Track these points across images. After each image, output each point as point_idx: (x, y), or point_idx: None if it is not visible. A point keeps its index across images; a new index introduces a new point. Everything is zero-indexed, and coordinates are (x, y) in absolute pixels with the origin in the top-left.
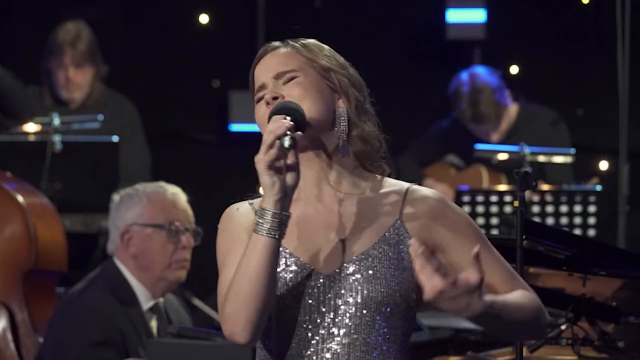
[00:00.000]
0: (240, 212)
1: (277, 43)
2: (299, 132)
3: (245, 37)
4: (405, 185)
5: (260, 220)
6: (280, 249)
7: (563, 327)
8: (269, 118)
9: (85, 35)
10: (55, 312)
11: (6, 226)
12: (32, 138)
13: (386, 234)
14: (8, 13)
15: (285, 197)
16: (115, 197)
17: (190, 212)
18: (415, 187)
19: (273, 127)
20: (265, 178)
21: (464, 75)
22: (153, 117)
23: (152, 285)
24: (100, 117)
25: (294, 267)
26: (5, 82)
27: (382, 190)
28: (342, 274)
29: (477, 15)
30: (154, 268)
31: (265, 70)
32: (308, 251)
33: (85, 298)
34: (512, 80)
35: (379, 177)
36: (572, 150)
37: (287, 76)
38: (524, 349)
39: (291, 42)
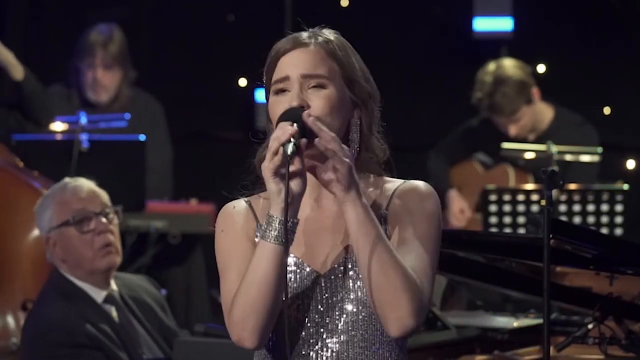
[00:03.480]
0: (237, 211)
1: (305, 37)
2: (304, 140)
3: (272, 36)
4: (401, 181)
5: (268, 228)
6: None
7: (590, 326)
8: (277, 124)
9: (118, 38)
10: (22, 334)
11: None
12: (59, 137)
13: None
14: (36, 12)
15: (292, 204)
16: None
17: (97, 196)
18: (410, 182)
19: (278, 134)
20: (272, 185)
21: (492, 65)
22: (180, 116)
23: (90, 279)
24: (128, 116)
25: (293, 268)
26: (30, 86)
27: (380, 190)
28: (340, 274)
29: (505, 24)
30: (83, 264)
31: (293, 64)
32: (307, 252)
33: (42, 314)
34: (540, 78)
35: (377, 177)
36: (600, 150)
37: (316, 81)
38: (552, 348)
39: (320, 40)
